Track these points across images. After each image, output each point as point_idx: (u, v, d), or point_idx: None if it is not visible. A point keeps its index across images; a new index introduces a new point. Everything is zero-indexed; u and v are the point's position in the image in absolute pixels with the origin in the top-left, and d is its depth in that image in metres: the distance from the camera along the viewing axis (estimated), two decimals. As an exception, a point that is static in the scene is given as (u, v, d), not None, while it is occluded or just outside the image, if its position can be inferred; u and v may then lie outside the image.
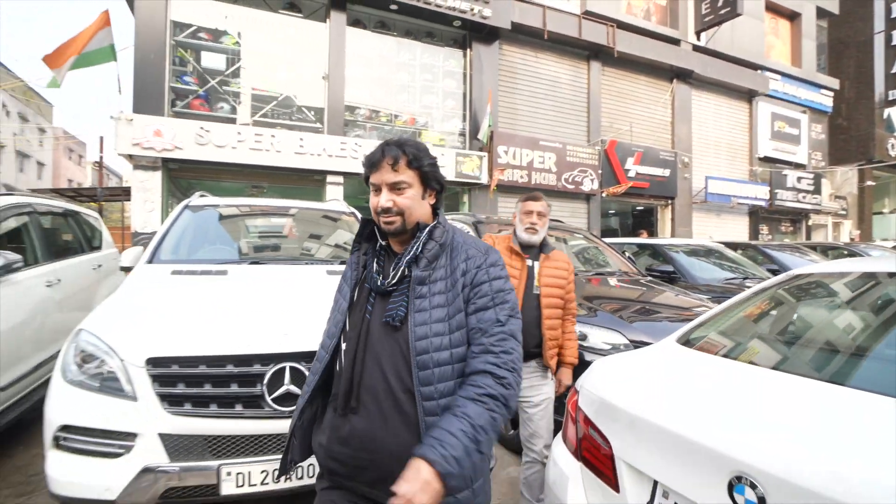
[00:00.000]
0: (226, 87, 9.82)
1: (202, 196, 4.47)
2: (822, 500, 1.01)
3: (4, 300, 3.29)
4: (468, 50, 12.04)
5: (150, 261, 3.43)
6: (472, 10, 11.06)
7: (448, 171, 11.04)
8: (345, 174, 10.14)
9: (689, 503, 1.29)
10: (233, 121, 9.68)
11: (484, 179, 11.50)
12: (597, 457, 1.65)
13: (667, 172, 14.38)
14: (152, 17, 9.01)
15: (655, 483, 1.42)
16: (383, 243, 1.36)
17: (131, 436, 2.07)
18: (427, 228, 1.31)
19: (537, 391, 2.53)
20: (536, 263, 2.59)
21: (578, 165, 12.83)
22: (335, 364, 1.32)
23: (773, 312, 2.06)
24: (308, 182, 10.28)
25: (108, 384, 2.16)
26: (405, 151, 1.27)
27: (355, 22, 10.98)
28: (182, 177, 9.89)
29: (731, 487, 1.17)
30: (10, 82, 25.43)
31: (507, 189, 11.83)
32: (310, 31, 10.59)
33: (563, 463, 1.84)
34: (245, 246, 4.14)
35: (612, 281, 4.83)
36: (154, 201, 8.62)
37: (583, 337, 3.44)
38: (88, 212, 5.69)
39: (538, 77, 13.09)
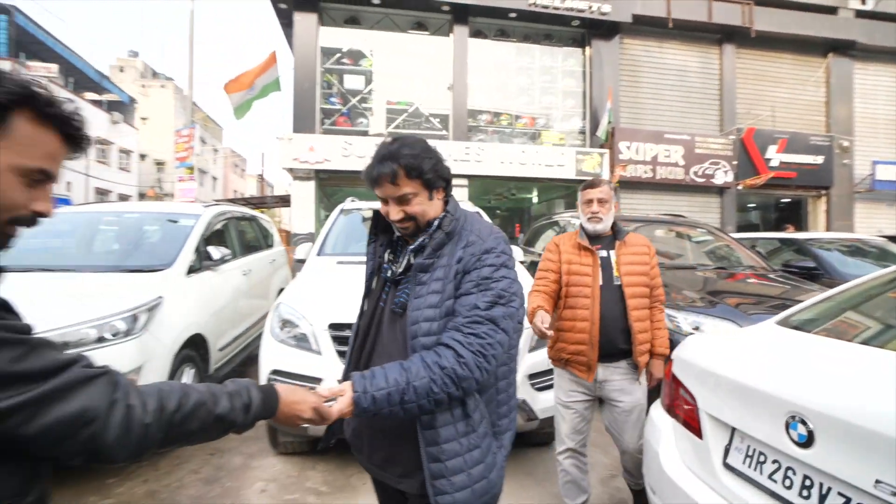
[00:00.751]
0: (364, 104, 11.13)
1: (352, 201, 5.35)
2: (855, 427, 1.26)
3: (219, 284, 4.37)
4: (587, 48, 12.04)
5: (319, 254, 4.32)
6: (590, 7, 11.09)
7: (568, 170, 11.19)
8: (469, 177, 10.84)
9: (758, 442, 1.57)
10: (370, 133, 10.93)
11: (605, 177, 11.44)
12: (685, 412, 1.94)
13: (819, 159, 12.87)
14: (306, 52, 10.58)
15: (733, 430, 1.70)
16: (398, 234, 1.36)
17: (318, 380, 2.81)
18: (436, 222, 1.29)
19: (628, 395, 2.38)
20: (612, 252, 2.39)
21: (709, 157, 12.09)
22: None
23: (865, 298, 2.14)
24: (435, 185, 11.14)
25: (301, 343, 2.92)
26: (401, 164, 1.21)
27: (476, 33, 11.65)
28: (329, 185, 11.40)
29: (787, 426, 1.44)
30: (207, 122, 30.91)
31: (630, 185, 11.60)
32: (435, 45, 11.50)
33: (659, 421, 2.15)
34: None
35: (737, 276, 4.77)
36: (308, 207, 10.14)
37: (696, 326, 3.58)
38: (264, 217, 6.99)
39: (662, 68, 12.59)
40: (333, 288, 3.34)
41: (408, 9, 11.11)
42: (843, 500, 1.29)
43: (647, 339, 2.35)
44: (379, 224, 1.40)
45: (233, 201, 18.87)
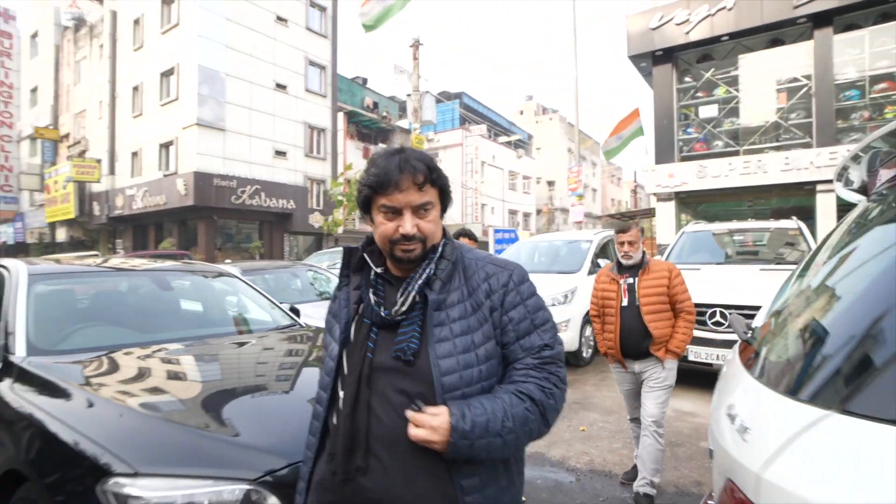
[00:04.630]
0: (717, 128, 12.52)
1: (696, 223, 7.60)
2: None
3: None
4: None
5: (663, 264, 6.88)
6: None
7: None
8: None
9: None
10: (725, 154, 12.26)
11: None
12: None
13: None
14: (663, 96, 12.92)
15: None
16: (378, 270, 1.15)
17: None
18: (439, 248, 1.13)
19: (656, 378, 2.97)
20: (636, 279, 2.97)
21: None
22: (331, 418, 1.11)
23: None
24: (794, 194, 11.43)
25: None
26: (429, 165, 1.08)
27: (846, 27, 11.15)
28: (687, 202, 13.27)
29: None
30: (586, 141, 37.15)
31: None
32: (792, 55, 11.74)
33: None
34: (722, 254, 6.95)
35: None
36: (669, 222, 12.41)
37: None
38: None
39: None
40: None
41: (758, 33, 11.84)
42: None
43: (662, 339, 2.94)
44: (350, 263, 1.19)
45: (611, 216, 22.52)
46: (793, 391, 0.69)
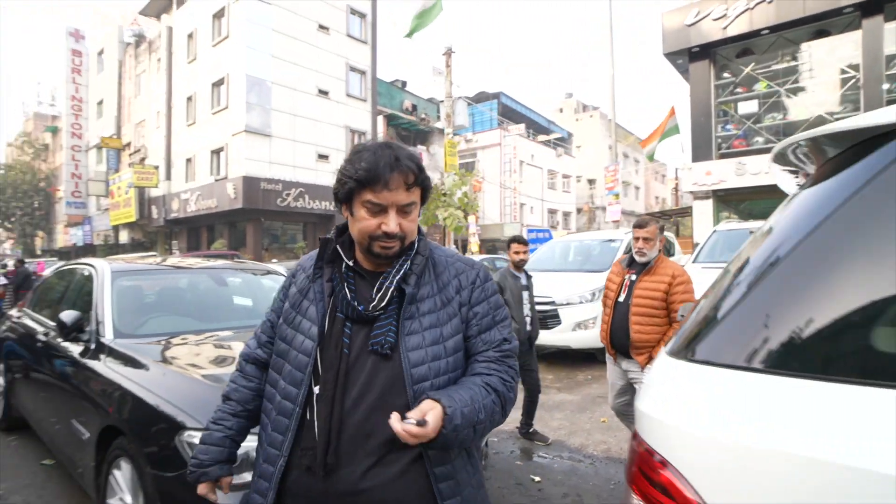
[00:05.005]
0: (758, 123, 12.21)
1: (727, 221, 7.61)
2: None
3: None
4: None
5: (694, 261, 6.93)
6: None
7: None
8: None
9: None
10: (765, 151, 11.92)
11: None
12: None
13: None
14: (701, 92, 12.71)
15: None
16: (350, 263, 1.16)
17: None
18: (415, 245, 1.17)
19: (634, 375, 3.01)
20: (638, 278, 2.96)
21: None
22: (305, 416, 1.11)
23: None
24: (843, 188, 10.99)
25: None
26: (419, 166, 1.11)
27: (899, 15, 10.68)
28: (726, 200, 13.00)
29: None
30: (628, 138, 36.76)
31: None
32: (837, 45, 11.34)
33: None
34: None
35: None
36: (706, 221, 12.21)
37: None
38: (670, 235, 9.84)
39: None
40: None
41: (801, 25, 11.47)
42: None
43: (644, 345, 2.89)
44: (324, 255, 1.20)
45: (651, 215, 22.16)
46: (673, 352, 0.96)
